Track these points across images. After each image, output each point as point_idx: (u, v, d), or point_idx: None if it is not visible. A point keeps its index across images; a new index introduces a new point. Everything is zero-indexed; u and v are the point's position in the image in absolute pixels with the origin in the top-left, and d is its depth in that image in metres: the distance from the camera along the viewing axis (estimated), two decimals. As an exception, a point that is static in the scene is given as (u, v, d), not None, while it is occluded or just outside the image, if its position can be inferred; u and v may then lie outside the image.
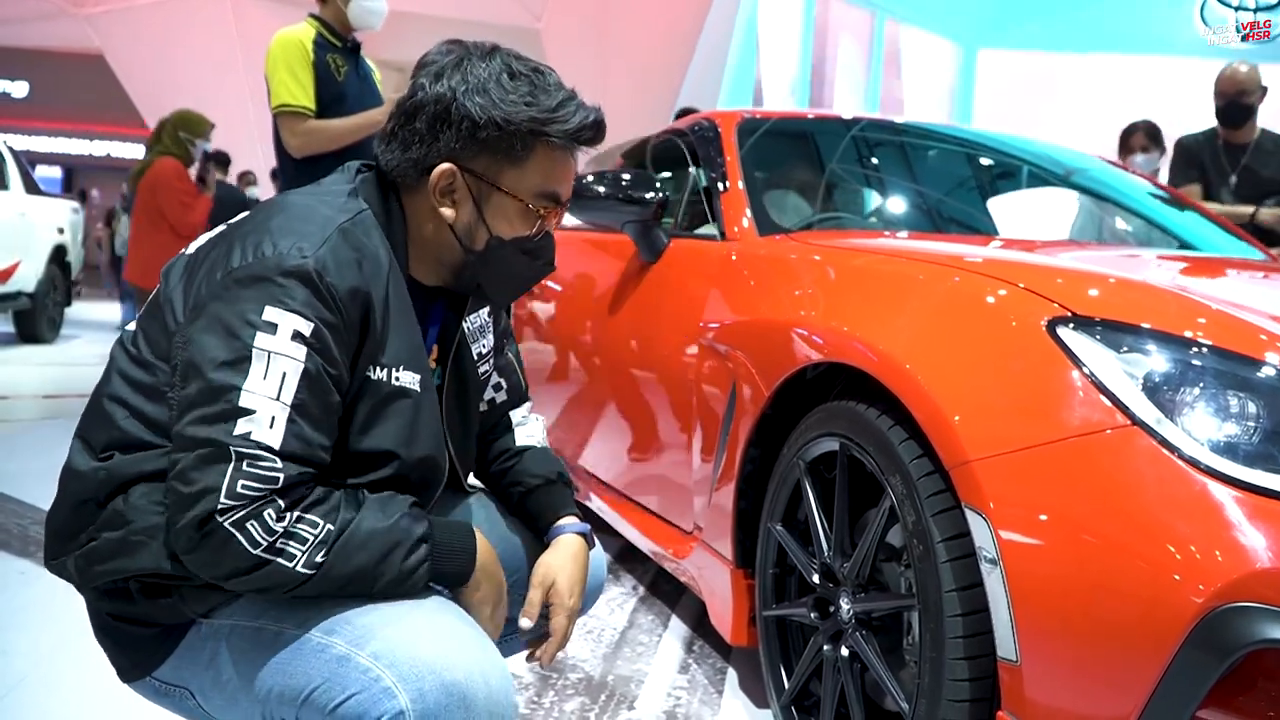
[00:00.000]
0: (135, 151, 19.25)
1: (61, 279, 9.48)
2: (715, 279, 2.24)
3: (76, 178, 20.39)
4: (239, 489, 1.10)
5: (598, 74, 12.34)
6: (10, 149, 8.98)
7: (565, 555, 1.41)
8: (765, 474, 1.86)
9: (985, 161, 2.99)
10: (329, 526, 1.13)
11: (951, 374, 1.38)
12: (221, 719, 1.25)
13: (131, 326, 1.32)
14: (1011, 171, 2.98)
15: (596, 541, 1.50)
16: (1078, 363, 1.27)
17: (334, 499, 1.16)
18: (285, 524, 1.11)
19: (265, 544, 1.11)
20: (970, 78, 18.58)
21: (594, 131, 1.31)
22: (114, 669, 1.30)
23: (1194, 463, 1.15)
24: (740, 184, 2.46)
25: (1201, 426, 1.19)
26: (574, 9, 12.67)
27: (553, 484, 1.50)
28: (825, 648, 1.65)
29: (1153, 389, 1.22)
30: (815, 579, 1.68)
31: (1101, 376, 1.25)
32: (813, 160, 2.82)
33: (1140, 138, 5.18)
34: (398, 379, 1.24)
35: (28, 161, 20.35)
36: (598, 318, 2.78)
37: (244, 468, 1.11)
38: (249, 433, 1.11)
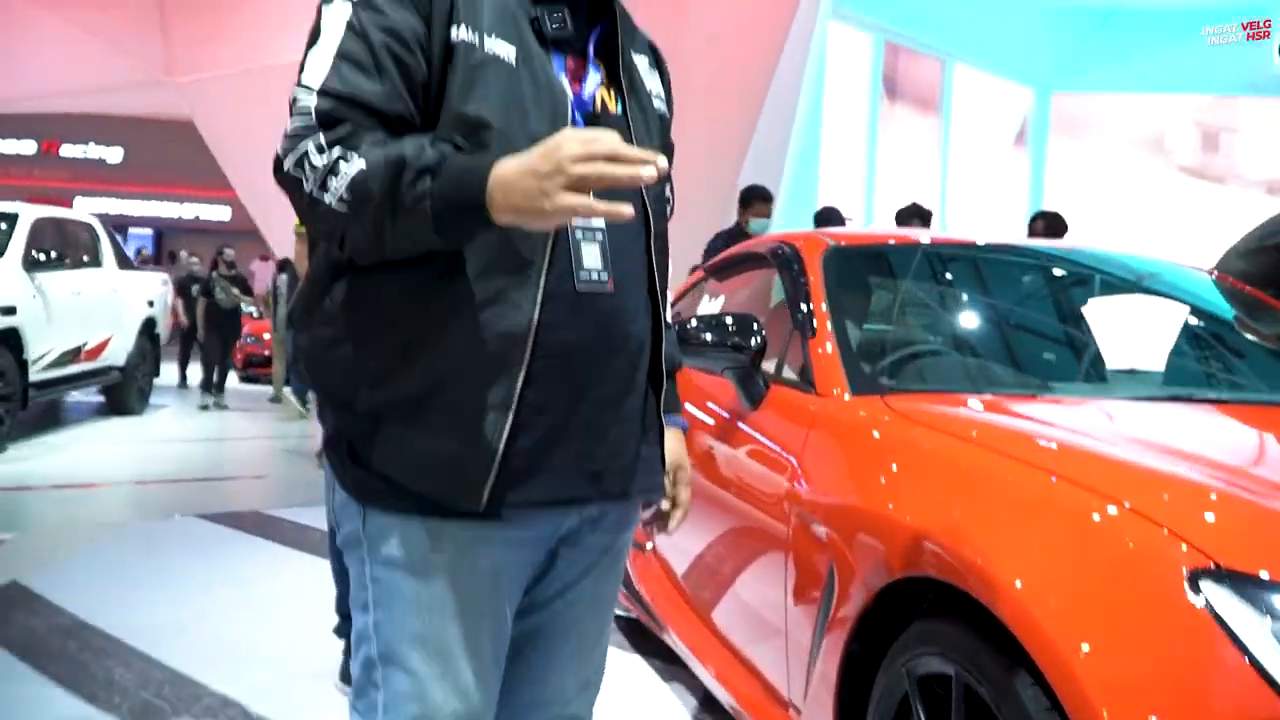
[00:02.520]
0: (222, 214, 19.92)
1: (150, 350, 9.79)
2: (809, 445, 2.21)
3: (166, 240, 21.11)
4: (288, 130, 1.19)
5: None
6: (105, 226, 9.32)
7: (679, 442, 1.54)
8: (869, 661, 1.82)
9: (1096, 284, 2.92)
10: (361, 162, 1.15)
11: (1086, 629, 1.30)
12: None
13: None
14: (1123, 291, 2.92)
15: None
16: (1228, 631, 1.19)
17: (372, 137, 1.18)
18: (325, 158, 1.16)
19: (315, 180, 1.16)
20: (1045, 121, 18.33)
21: None
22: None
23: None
24: (829, 327, 2.44)
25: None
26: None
27: (673, 377, 1.54)
28: None
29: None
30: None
31: (1257, 652, 1.17)
32: (908, 289, 2.79)
33: None
34: (490, 47, 1.24)
35: (121, 225, 21.11)
36: (704, 454, 2.74)
37: (293, 110, 1.20)
38: (300, 82, 1.21)
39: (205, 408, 10.04)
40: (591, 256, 1.31)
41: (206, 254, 15.12)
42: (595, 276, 1.30)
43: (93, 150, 20.27)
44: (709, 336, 2.47)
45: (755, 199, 5.96)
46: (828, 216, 6.27)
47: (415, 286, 1.23)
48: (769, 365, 2.58)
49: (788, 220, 13.39)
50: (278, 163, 1.20)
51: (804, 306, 2.55)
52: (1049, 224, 5.88)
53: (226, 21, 14.12)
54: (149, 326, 9.62)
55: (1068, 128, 18.07)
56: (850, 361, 2.34)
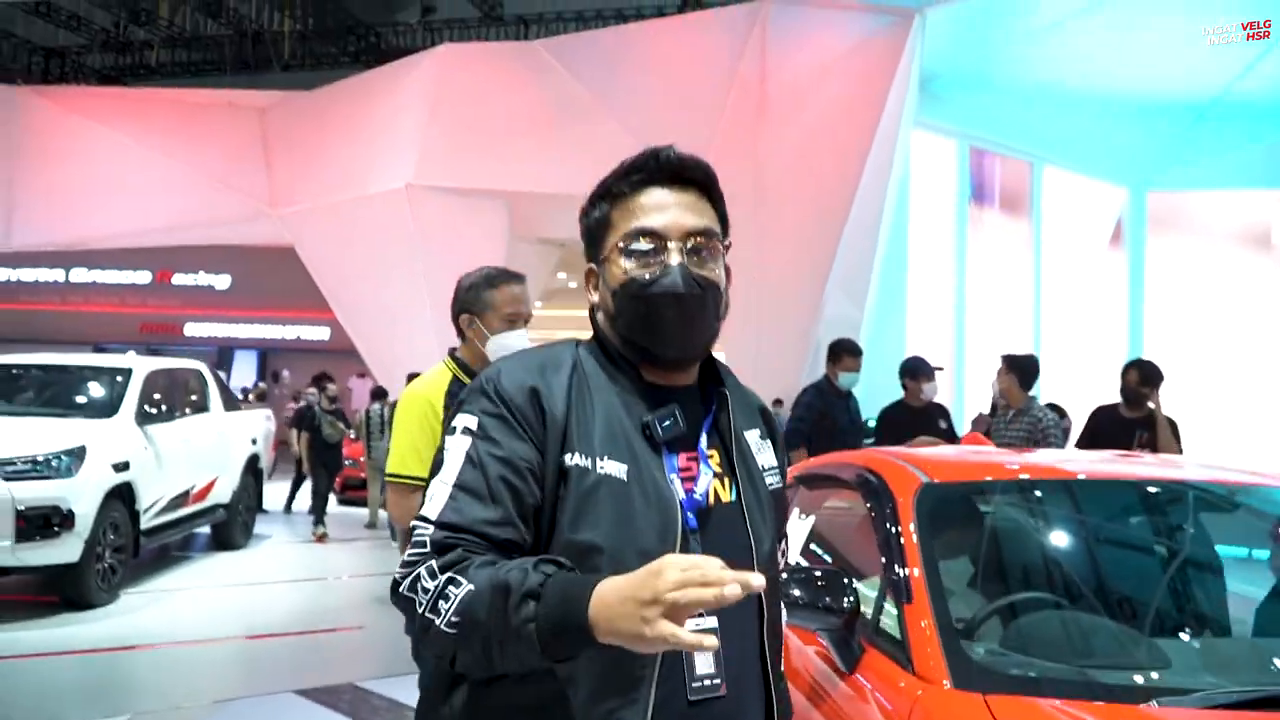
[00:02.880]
0: (321, 334, 20.62)
1: (254, 486, 10.09)
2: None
3: (270, 359, 21.92)
4: (406, 557, 1.30)
5: (753, 242, 12.54)
6: (212, 370, 9.71)
7: None
8: None
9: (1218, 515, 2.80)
10: (469, 586, 1.22)
11: None
12: None
13: None
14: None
15: None
16: None
17: (481, 564, 1.24)
18: (437, 583, 1.23)
19: (426, 603, 1.23)
20: (1141, 220, 17.96)
21: (649, 160, 1.45)
22: None
23: None
24: (927, 596, 2.39)
25: None
26: (727, 180, 12.87)
27: None
28: None
29: None
30: None
31: None
32: (1007, 533, 2.72)
33: None
34: (603, 467, 1.34)
35: (228, 347, 22.01)
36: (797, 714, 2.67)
37: (411, 539, 1.31)
38: (421, 512, 1.33)
39: (324, 537, 10.34)
40: (705, 663, 1.36)
41: (308, 370, 15.66)
42: (708, 683, 1.36)
43: (202, 278, 21.30)
44: (798, 593, 2.42)
45: (844, 353, 5.93)
46: (915, 367, 6.20)
47: (533, 703, 1.30)
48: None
49: (876, 331, 13.29)
50: (395, 585, 1.29)
51: (898, 566, 2.50)
52: (1143, 374, 5.74)
53: (324, 155, 14.81)
54: (252, 463, 9.93)
55: (1165, 226, 17.67)
56: (950, 641, 2.27)
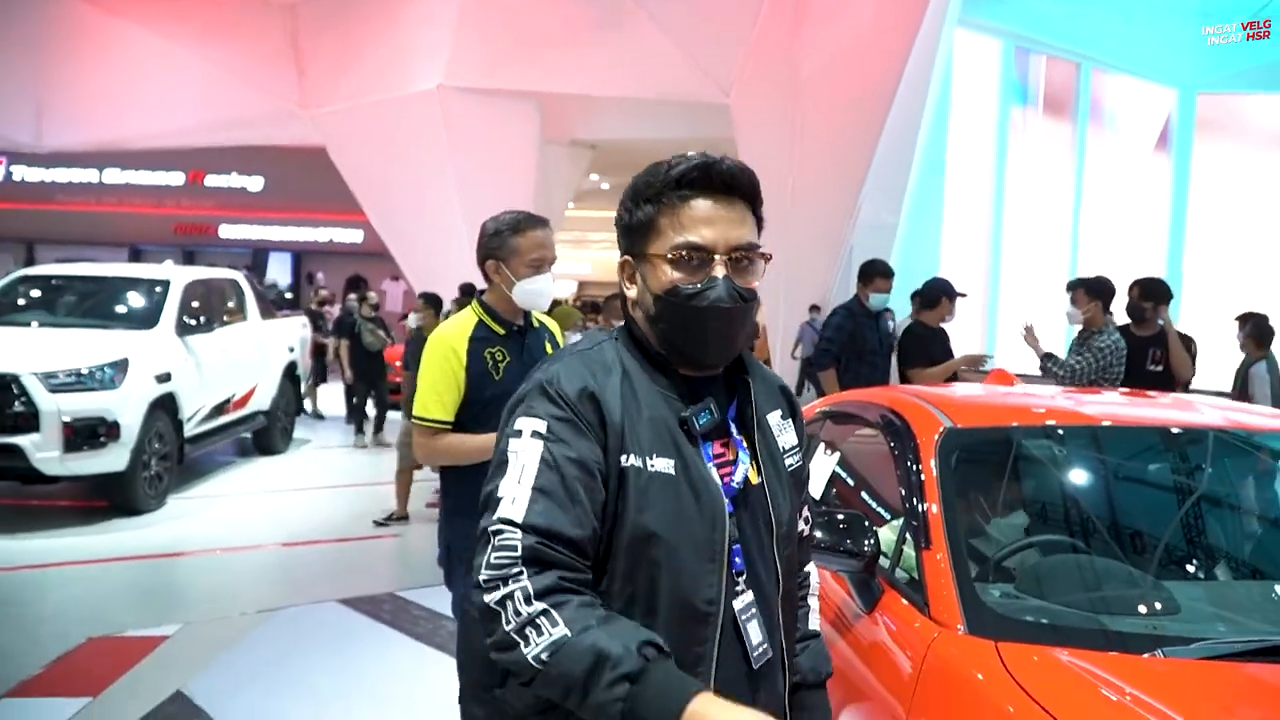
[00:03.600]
0: (354, 236, 20.67)
1: (293, 392, 10.29)
2: (920, 690, 2.22)
3: (304, 261, 22.03)
4: (492, 560, 1.35)
5: (788, 146, 12.36)
6: (249, 279, 9.81)
7: None
8: None
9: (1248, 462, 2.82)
10: (565, 630, 1.29)
11: None
12: None
13: None
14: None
15: None
16: None
17: (579, 605, 1.32)
18: (532, 609, 1.31)
19: (515, 624, 1.30)
20: (1190, 124, 17.44)
21: (700, 173, 1.49)
22: None
23: None
24: (945, 542, 2.44)
25: None
26: (763, 82, 12.70)
27: (820, 689, 1.71)
28: None
29: None
30: None
31: None
32: (1030, 480, 2.76)
33: None
34: (653, 465, 1.45)
35: (262, 249, 22.06)
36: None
37: (495, 542, 1.36)
38: (498, 514, 1.38)
39: (363, 447, 10.52)
40: (757, 633, 1.53)
41: (343, 273, 15.75)
42: (762, 650, 1.52)
43: (235, 180, 21.27)
44: (820, 535, 2.48)
45: (876, 275, 5.91)
46: (938, 289, 6.16)
47: None
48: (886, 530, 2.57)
49: (910, 241, 13.16)
50: (478, 585, 1.35)
51: (918, 511, 2.56)
52: (1144, 290, 5.79)
53: (355, 55, 14.62)
54: (290, 370, 10.11)
55: (1214, 130, 17.17)
56: (966, 587, 2.34)
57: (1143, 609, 2.33)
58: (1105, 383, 5.40)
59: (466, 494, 2.77)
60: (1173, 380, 5.81)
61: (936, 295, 6.12)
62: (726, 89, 12.80)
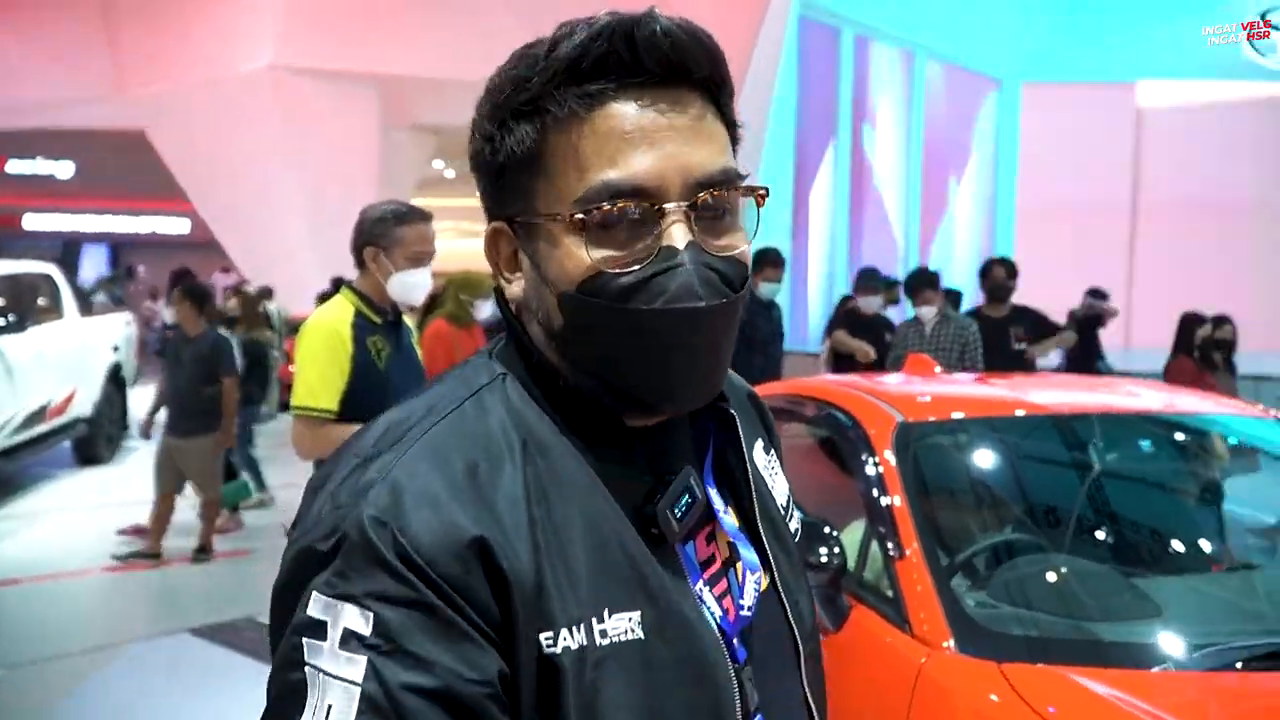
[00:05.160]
0: (180, 226, 19.36)
1: (118, 397, 9.45)
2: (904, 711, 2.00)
3: (122, 254, 20.51)
4: None
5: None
6: (64, 274, 8.96)
7: None
8: None
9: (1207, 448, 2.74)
10: None
11: None
12: None
13: None
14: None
15: None
16: None
17: None
18: None
19: None
20: (1014, 112, 18.27)
21: (618, 47, 0.80)
22: None
23: None
24: (918, 549, 2.24)
25: None
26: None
27: None
28: None
29: None
30: None
31: None
32: (994, 472, 2.59)
33: None
34: (606, 633, 0.78)
35: (74, 241, 20.48)
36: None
37: None
38: None
39: None
40: None
41: (166, 265, 14.66)
42: None
43: (42, 165, 19.56)
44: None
45: (767, 264, 5.75)
46: (869, 277, 6.18)
47: None
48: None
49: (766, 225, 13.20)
50: None
51: (885, 513, 2.35)
52: (1008, 269, 5.90)
53: (178, 32, 13.68)
54: (115, 372, 9.27)
55: (1037, 116, 18.02)
56: (949, 602, 2.14)
57: (1133, 614, 2.18)
58: (965, 367, 5.43)
59: None
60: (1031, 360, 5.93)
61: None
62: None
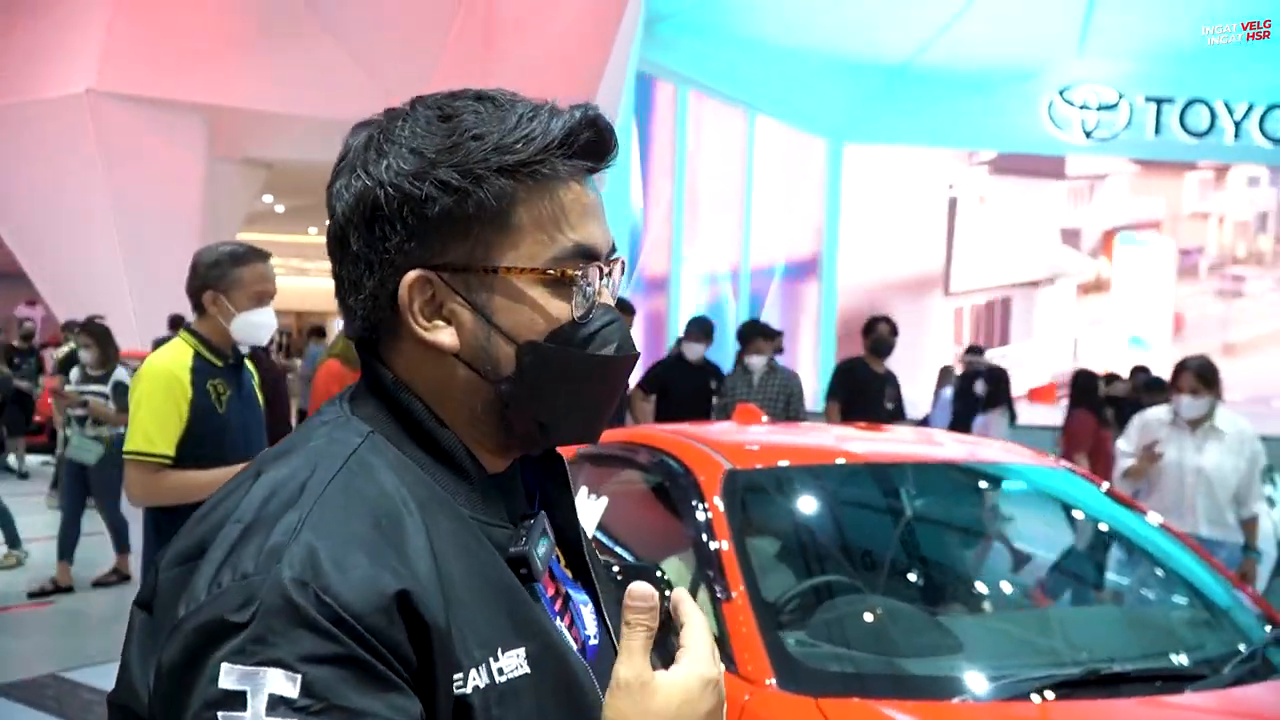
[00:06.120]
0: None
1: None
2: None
3: (-90, 282, 18.93)
4: None
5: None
6: None
7: None
8: None
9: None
10: None
11: None
12: None
13: None
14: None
15: None
16: None
17: None
18: None
19: None
20: (838, 172, 19.20)
21: (593, 132, 0.91)
22: None
23: None
24: (743, 592, 2.35)
25: None
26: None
27: None
28: None
29: None
30: None
31: None
32: (817, 519, 2.74)
33: (1189, 378, 4.14)
34: (503, 670, 0.83)
35: None
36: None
37: None
38: None
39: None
40: None
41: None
42: None
43: None
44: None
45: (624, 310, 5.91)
46: (696, 325, 6.35)
47: None
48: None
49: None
50: None
51: (712, 558, 2.46)
52: (891, 326, 6.15)
53: (-13, 51, 12.89)
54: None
55: (858, 178, 19.01)
56: (771, 641, 2.26)
57: (937, 650, 2.36)
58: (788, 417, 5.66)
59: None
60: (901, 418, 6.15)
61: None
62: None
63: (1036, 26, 14.40)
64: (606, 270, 0.94)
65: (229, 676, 0.74)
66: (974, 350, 9.84)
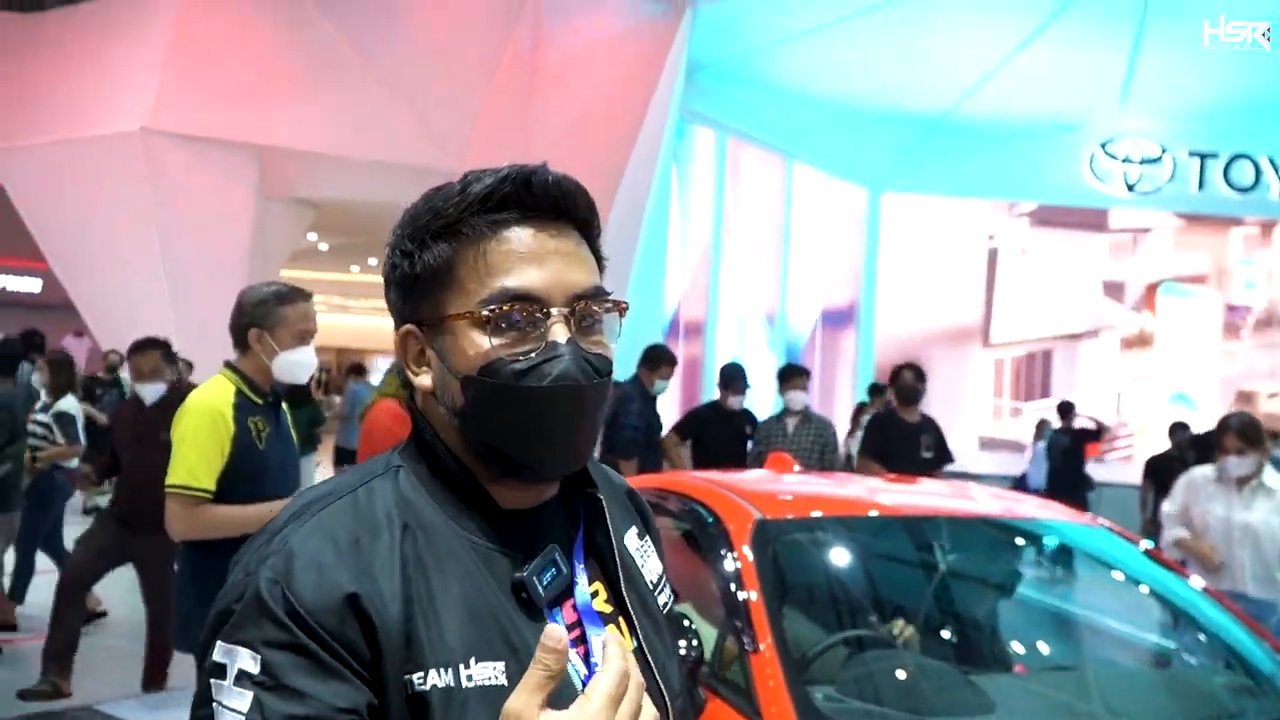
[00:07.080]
0: (31, 285, 18.45)
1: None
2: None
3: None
4: None
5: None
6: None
7: None
8: None
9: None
10: None
11: None
12: None
13: None
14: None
15: None
16: None
17: None
18: None
19: None
20: (876, 221, 19.17)
21: (517, 187, 1.03)
22: None
23: None
24: (771, 643, 2.34)
25: None
26: (497, 149, 12.63)
27: None
28: None
29: None
30: None
31: None
32: (848, 570, 2.72)
33: (1232, 438, 4.08)
34: (471, 677, 0.95)
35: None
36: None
37: None
38: None
39: None
40: None
41: (13, 327, 13.92)
42: None
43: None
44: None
45: (662, 362, 5.91)
46: (732, 375, 6.34)
47: None
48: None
49: (634, 320, 13.38)
50: None
51: (741, 608, 2.44)
52: (917, 373, 6.06)
53: (42, 86, 13.28)
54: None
55: (897, 227, 18.96)
56: (799, 696, 2.24)
57: (968, 710, 2.32)
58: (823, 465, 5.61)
59: (214, 569, 2.51)
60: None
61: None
62: (459, 154, 12.64)
63: (1078, 79, 14.36)
64: (546, 311, 1.03)
65: (219, 651, 0.94)
66: (1065, 409, 9.95)
